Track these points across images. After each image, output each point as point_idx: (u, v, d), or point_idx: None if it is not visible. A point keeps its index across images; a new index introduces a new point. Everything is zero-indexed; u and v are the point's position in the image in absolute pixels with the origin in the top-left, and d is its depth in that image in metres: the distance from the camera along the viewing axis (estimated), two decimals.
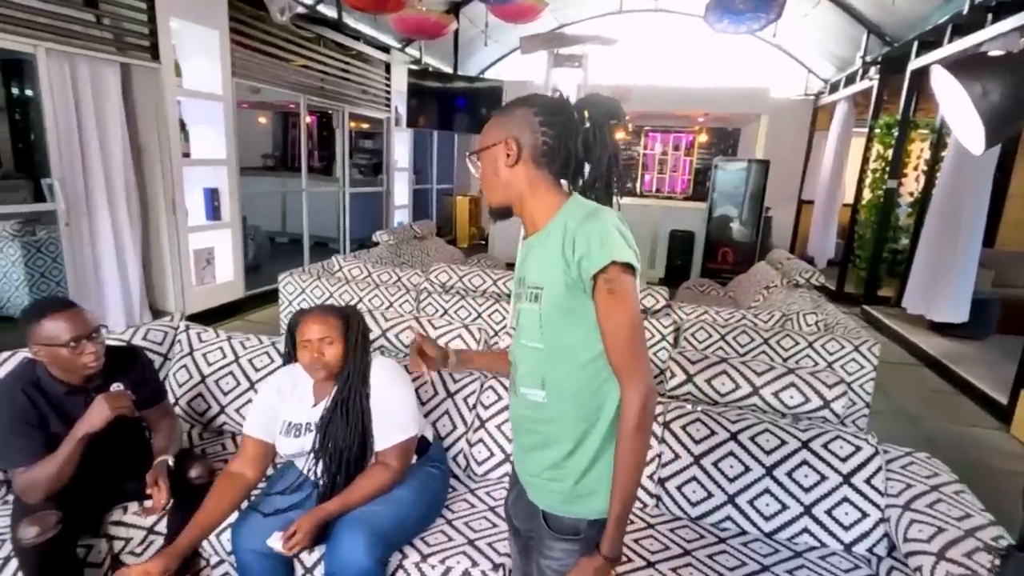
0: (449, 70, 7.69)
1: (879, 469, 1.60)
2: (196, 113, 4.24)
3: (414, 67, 6.96)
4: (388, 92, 6.79)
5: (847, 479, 1.60)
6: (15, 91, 6.01)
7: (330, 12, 5.25)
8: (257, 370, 2.04)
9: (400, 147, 7.29)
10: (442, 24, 5.23)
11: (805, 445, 1.65)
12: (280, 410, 1.61)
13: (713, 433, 1.72)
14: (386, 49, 6.48)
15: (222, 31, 4.19)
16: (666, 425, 1.76)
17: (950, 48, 4.51)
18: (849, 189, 6.88)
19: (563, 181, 1.09)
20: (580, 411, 1.03)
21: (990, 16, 3.95)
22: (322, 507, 1.46)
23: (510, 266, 6.01)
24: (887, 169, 5.69)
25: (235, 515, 1.57)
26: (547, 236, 1.02)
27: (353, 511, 1.48)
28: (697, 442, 1.72)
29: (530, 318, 1.05)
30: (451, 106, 7.28)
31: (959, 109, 0.84)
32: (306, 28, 5.15)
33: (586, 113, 1.04)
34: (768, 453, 1.66)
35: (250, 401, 2.01)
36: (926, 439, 3.14)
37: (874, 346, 2.62)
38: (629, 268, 0.95)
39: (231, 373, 2.05)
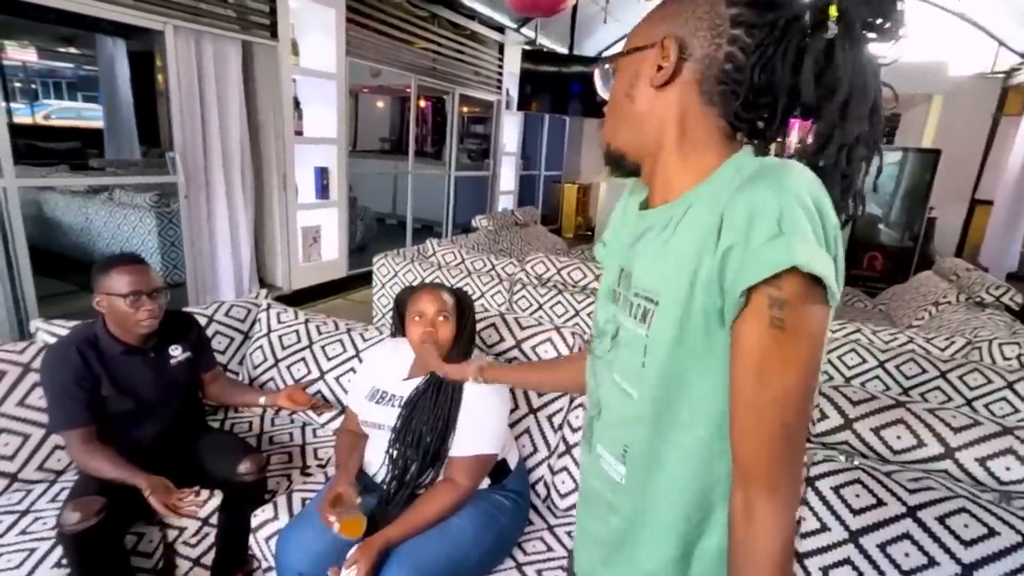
0: (565, 51, 7.33)
1: None
2: (310, 92, 4.30)
3: (528, 48, 6.69)
4: (500, 74, 6.60)
5: None
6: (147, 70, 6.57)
7: None
8: (329, 359, 1.89)
9: (509, 131, 7.09)
10: (559, 0, 4.90)
11: None
12: (373, 375, 1.49)
13: (881, 503, 1.26)
14: (501, 29, 6.27)
15: (338, 9, 4.18)
16: (810, 482, 1.33)
17: None
18: None
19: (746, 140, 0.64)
20: (685, 509, 0.64)
21: None
22: (382, 534, 1.25)
23: None
24: None
25: (285, 522, 1.41)
26: (684, 212, 0.61)
27: (404, 543, 1.25)
28: (856, 512, 1.27)
29: (632, 345, 0.64)
30: (565, 90, 6.92)
31: None
32: (421, 7, 5.06)
33: (833, 9, 0.55)
34: (967, 545, 1.18)
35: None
36: None
37: None
38: (820, 287, 0.53)
39: (303, 359, 1.91)
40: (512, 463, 1.47)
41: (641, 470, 0.67)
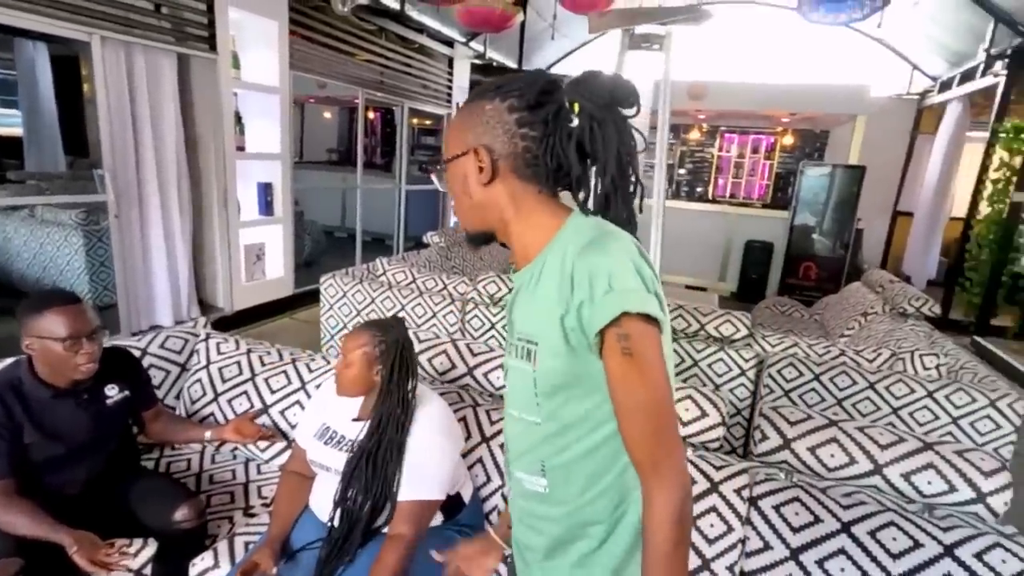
0: (514, 65, 7.42)
1: None
2: (252, 106, 4.16)
3: (478, 62, 6.73)
4: (450, 88, 6.59)
5: None
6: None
7: (393, 3, 5.08)
8: (273, 391, 1.82)
9: None
10: (508, 16, 4.94)
11: (949, 552, 1.23)
12: (323, 411, 1.44)
13: (818, 520, 1.32)
14: (449, 43, 6.28)
15: (281, 22, 4.08)
16: (753, 501, 1.38)
17: None
18: (958, 201, 6.06)
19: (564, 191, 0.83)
20: (600, 506, 0.79)
21: None
22: None
23: None
24: (1012, 179, 4.90)
25: (226, 571, 1.34)
26: (540, 270, 0.78)
27: None
28: (796, 530, 1.33)
29: (521, 381, 0.79)
30: None
31: None
32: (368, 20, 5.00)
33: (575, 105, 0.76)
34: (895, 557, 1.25)
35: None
36: None
37: (1016, 401, 2.10)
38: (652, 320, 0.70)
39: (245, 392, 1.83)
40: (467, 497, 1.46)
41: (560, 478, 0.80)
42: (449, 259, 4.09)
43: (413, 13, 5.39)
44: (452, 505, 1.41)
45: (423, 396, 1.38)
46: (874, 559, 1.26)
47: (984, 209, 5.28)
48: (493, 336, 2.79)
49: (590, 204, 0.79)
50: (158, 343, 1.94)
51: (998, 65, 5.12)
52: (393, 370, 1.30)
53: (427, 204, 7.02)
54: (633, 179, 0.78)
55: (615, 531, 0.80)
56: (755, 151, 7.99)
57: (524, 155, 0.77)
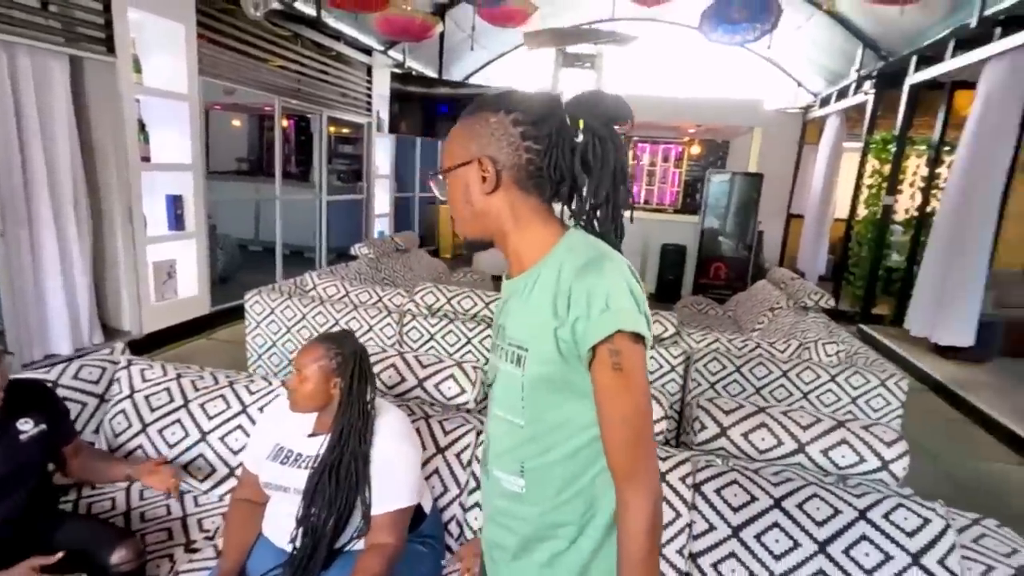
0: (434, 74, 7.42)
1: (954, 547, 1.35)
2: (158, 113, 3.88)
3: (397, 71, 6.67)
4: (369, 96, 6.49)
5: (916, 559, 1.34)
6: None
7: (309, 10, 4.94)
8: (211, 417, 1.72)
9: (382, 154, 6.98)
10: (428, 26, 4.97)
11: (863, 515, 1.40)
12: (274, 431, 1.39)
13: (753, 499, 1.45)
14: (368, 51, 6.18)
15: (188, 25, 3.85)
16: (696, 487, 1.50)
17: (952, 63, 4.39)
18: (840, 204, 6.78)
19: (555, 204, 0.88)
20: (571, 510, 0.84)
21: (998, 30, 3.82)
22: None
23: (496, 278, 5.66)
24: (883, 185, 5.57)
25: None
26: (535, 281, 0.81)
27: None
28: (735, 510, 1.45)
29: (510, 384, 0.84)
30: (435, 112, 7.02)
31: None
32: (282, 25, 4.82)
33: (580, 122, 0.81)
34: (820, 525, 1.40)
35: (201, 457, 1.69)
36: (949, 479, 2.93)
37: (901, 380, 2.40)
38: (639, 339, 0.75)
39: (178, 421, 1.72)
40: (427, 507, 1.46)
41: (537, 480, 0.84)
42: (379, 271, 4.02)
43: (330, 20, 5.27)
44: (413, 517, 1.41)
45: (380, 407, 1.38)
46: (803, 528, 1.40)
47: (862, 211, 5.96)
48: (433, 347, 2.79)
49: (586, 214, 0.84)
50: (71, 373, 1.77)
51: (867, 84, 5.81)
52: (352, 381, 1.29)
53: (347, 215, 6.83)
54: (624, 193, 0.83)
55: (584, 532, 0.84)
56: (665, 159, 8.49)
57: (527, 167, 0.80)
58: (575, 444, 0.81)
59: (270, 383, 1.78)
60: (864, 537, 1.38)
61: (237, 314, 4.66)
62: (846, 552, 1.37)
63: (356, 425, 1.28)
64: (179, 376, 1.82)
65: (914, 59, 4.99)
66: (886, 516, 1.39)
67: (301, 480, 1.30)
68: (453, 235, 8.96)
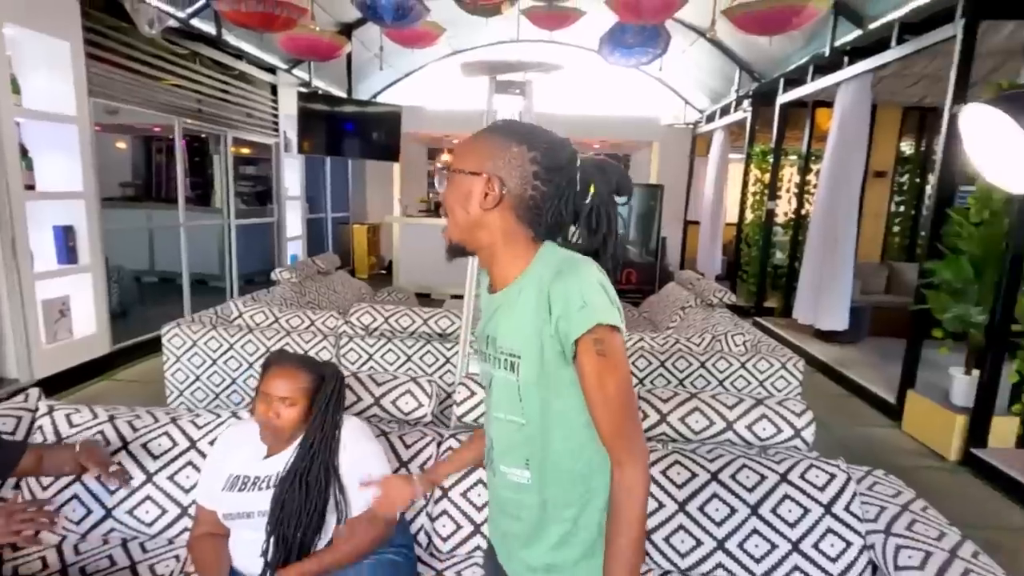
0: (342, 93, 7.32)
1: (855, 495, 1.60)
2: (43, 138, 3.55)
3: (304, 90, 6.52)
4: (276, 116, 6.28)
5: (828, 509, 1.58)
6: None
7: (208, 27, 4.73)
8: (156, 457, 1.64)
9: (291, 174, 6.75)
10: (336, 46, 4.93)
11: (784, 478, 1.62)
12: (227, 463, 1.37)
13: (694, 475, 1.64)
14: (272, 70, 6.01)
15: (74, 43, 3.57)
16: None
17: (813, 86, 5.07)
18: (730, 210, 7.49)
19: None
20: (572, 493, 0.93)
21: (846, 58, 4.48)
22: (297, 567, 1.26)
23: (420, 295, 5.66)
24: (765, 192, 6.25)
25: None
26: (519, 293, 0.90)
27: None
28: (680, 486, 1.63)
29: (507, 389, 0.93)
30: (344, 131, 6.93)
31: (1002, 146, 0.80)
32: (179, 44, 4.58)
33: (591, 188, 0.91)
34: (750, 491, 1.61)
35: (148, 499, 1.61)
36: (839, 443, 3.37)
37: (798, 362, 2.75)
38: (617, 330, 0.85)
39: (119, 464, 1.62)
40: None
41: (540, 470, 0.93)
42: (304, 295, 3.92)
43: (230, 38, 5.07)
44: None
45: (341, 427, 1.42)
46: (737, 495, 1.60)
47: (749, 215, 6.64)
48: (372, 367, 2.78)
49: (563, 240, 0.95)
50: None
51: (745, 103, 6.51)
52: (330, 402, 1.33)
53: (255, 239, 6.53)
54: (621, 249, 0.97)
55: (584, 511, 0.93)
56: None
57: (528, 201, 0.89)
58: (572, 432, 0.90)
59: (219, 415, 1.72)
60: (787, 496, 1.60)
61: (142, 351, 4.33)
62: (773, 511, 1.58)
63: (326, 435, 1.33)
64: (112, 418, 1.71)
65: (782, 81, 5.69)
66: (802, 476, 1.63)
67: (265, 501, 1.31)
68: (368, 255, 8.81)
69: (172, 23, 4.20)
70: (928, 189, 6.48)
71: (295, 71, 6.35)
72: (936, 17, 3.53)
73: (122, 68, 4.06)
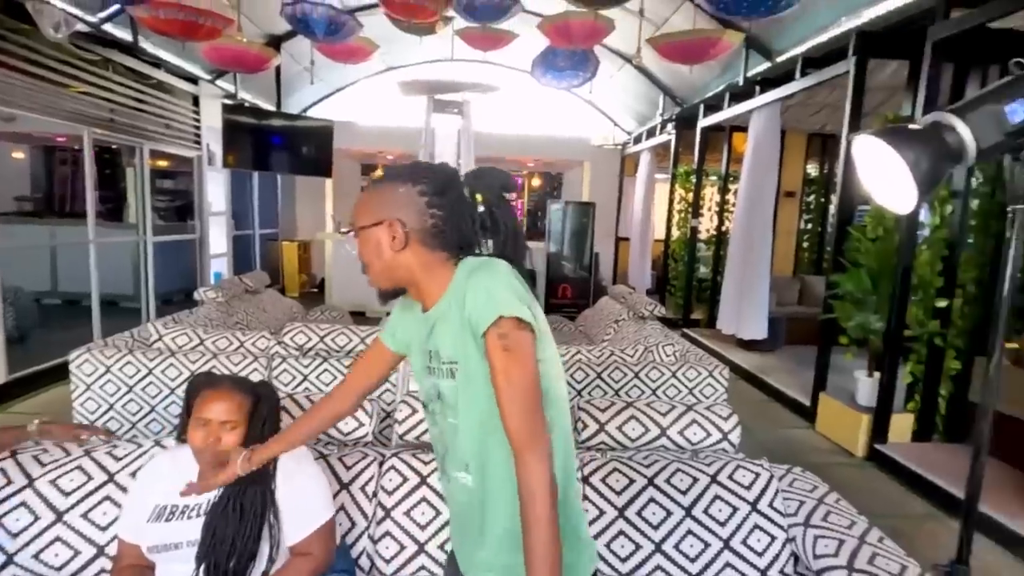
0: (270, 106, 7.09)
1: (777, 492, 1.72)
2: None
3: (229, 102, 6.27)
4: (198, 128, 5.99)
5: (754, 506, 1.69)
6: None
7: (123, 34, 4.47)
8: (67, 494, 1.51)
9: (215, 188, 6.43)
10: (264, 58, 4.81)
11: (714, 479, 1.72)
12: (152, 494, 1.30)
13: (632, 481, 1.70)
14: (194, 80, 5.74)
15: None
16: (586, 480, 1.70)
17: (729, 112, 5.45)
18: (657, 227, 7.87)
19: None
20: (509, 491, 0.92)
21: (758, 88, 4.87)
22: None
23: (355, 313, 5.54)
24: (690, 210, 6.61)
25: None
26: (448, 307, 0.96)
27: None
28: (619, 493, 1.69)
29: (449, 395, 0.98)
30: (272, 145, 6.72)
31: (887, 173, 0.92)
32: (90, 50, 4.30)
33: (478, 196, 0.98)
34: (684, 493, 1.69)
35: (57, 540, 1.47)
36: (761, 445, 3.59)
37: (723, 370, 2.92)
38: (525, 325, 0.88)
39: (23, 504, 1.48)
40: (336, 541, 1.46)
41: (480, 470, 0.97)
42: (231, 315, 3.73)
43: (147, 45, 4.81)
44: None
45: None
46: (671, 498, 1.68)
47: (675, 232, 6.99)
48: (307, 388, 2.69)
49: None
50: None
51: (669, 126, 6.89)
52: (266, 423, 1.29)
53: (175, 256, 6.15)
54: (521, 247, 1.01)
55: (514, 501, 0.95)
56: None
57: (431, 229, 0.95)
58: (495, 430, 0.92)
59: (140, 445, 1.61)
60: (717, 497, 1.69)
61: (44, 380, 3.97)
62: (705, 511, 1.67)
63: None
64: (14, 454, 1.57)
65: (702, 107, 6.08)
66: (730, 477, 1.73)
67: (194, 530, 1.24)
68: (299, 273, 8.51)
69: (81, 27, 3.93)
70: (831, 208, 7.10)
71: (219, 82, 6.11)
72: (833, 54, 3.93)
73: (23, 73, 3.75)
